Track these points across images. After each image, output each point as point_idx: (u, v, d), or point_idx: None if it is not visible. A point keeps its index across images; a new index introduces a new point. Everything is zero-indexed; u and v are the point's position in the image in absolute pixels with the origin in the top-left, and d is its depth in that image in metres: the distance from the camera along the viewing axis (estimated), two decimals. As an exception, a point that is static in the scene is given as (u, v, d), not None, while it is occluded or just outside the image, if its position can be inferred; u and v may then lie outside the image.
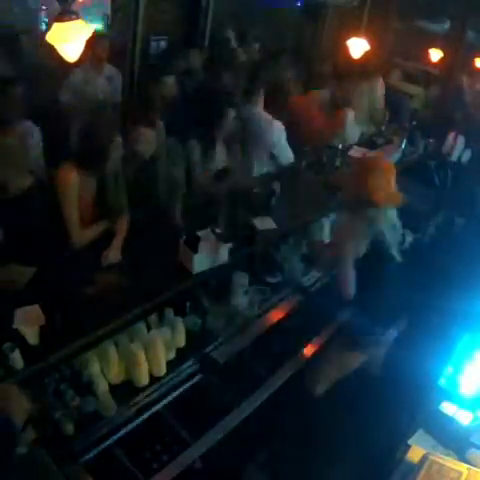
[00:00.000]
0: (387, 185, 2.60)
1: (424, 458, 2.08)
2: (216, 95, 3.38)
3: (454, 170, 4.81)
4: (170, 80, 3.97)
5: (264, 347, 2.87)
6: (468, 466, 2.04)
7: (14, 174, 2.32)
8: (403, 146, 4.46)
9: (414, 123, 4.95)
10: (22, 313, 2.03)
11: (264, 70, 4.07)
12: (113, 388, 2.40)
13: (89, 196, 2.69)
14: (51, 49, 2.61)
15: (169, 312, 2.71)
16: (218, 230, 2.61)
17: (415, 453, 2.13)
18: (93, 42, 3.23)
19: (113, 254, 2.58)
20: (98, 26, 4.72)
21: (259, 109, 3.75)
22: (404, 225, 4.31)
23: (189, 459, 2.26)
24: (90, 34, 2.81)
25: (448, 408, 2.34)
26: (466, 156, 5.02)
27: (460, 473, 2.00)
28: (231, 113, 3.26)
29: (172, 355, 2.64)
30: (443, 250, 4.14)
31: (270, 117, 3.74)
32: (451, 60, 6.31)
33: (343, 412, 3.04)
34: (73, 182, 2.59)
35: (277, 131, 3.73)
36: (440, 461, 2.05)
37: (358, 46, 5.14)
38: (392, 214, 2.67)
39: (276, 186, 3.18)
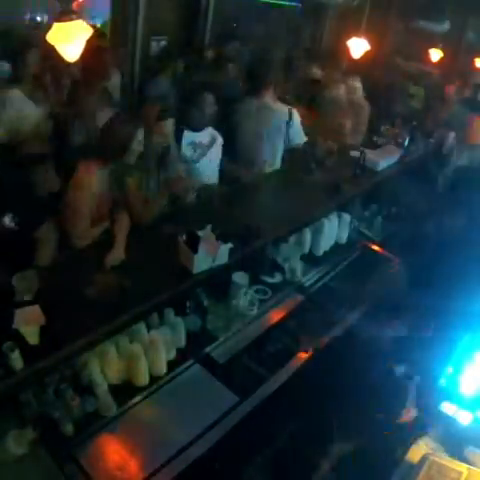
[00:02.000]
0: None
1: (424, 458, 2.08)
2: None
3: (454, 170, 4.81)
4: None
5: (264, 347, 2.87)
6: (468, 466, 2.04)
7: None
8: (406, 144, 4.47)
9: (414, 123, 4.96)
10: (22, 313, 2.02)
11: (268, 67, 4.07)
12: (113, 388, 2.41)
13: (101, 192, 2.69)
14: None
15: (169, 312, 2.72)
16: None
17: (415, 453, 2.13)
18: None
19: (116, 255, 2.56)
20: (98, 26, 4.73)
21: (267, 99, 3.76)
22: (404, 224, 4.34)
23: (187, 459, 2.25)
24: (90, 34, 2.82)
25: (448, 408, 2.34)
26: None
27: (460, 473, 2.00)
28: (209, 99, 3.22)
29: (172, 355, 2.64)
30: (444, 250, 4.14)
31: (278, 104, 3.77)
32: (451, 60, 6.32)
33: (343, 412, 3.04)
34: (93, 182, 2.60)
35: (284, 114, 3.73)
36: (440, 461, 2.06)
37: (358, 46, 5.15)
38: None
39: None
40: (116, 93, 4.36)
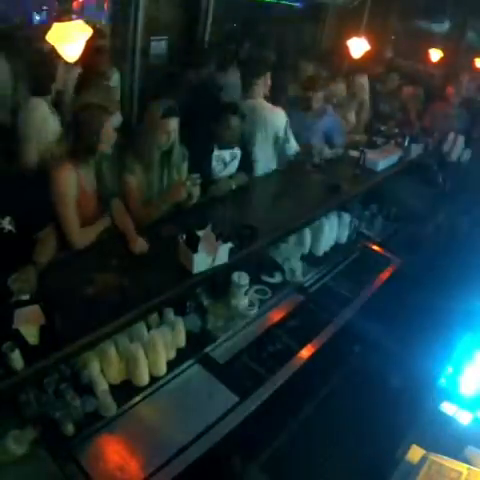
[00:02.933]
0: None
1: (424, 458, 2.08)
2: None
3: (454, 170, 4.82)
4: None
5: (264, 347, 2.87)
6: (468, 466, 2.04)
7: None
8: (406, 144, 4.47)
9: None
10: (22, 313, 2.02)
11: (263, 65, 4.04)
12: (113, 388, 2.41)
13: (89, 189, 2.67)
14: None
15: (169, 312, 2.72)
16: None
17: (415, 453, 2.13)
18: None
19: (139, 244, 2.61)
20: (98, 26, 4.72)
21: (261, 100, 3.80)
22: (404, 224, 4.35)
23: (187, 459, 2.25)
24: (90, 34, 2.83)
25: (448, 408, 2.34)
26: (466, 156, 5.02)
27: (460, 473, 2.00)
28: (235, 121, 3.36)
29: (172, 355, 2.64)
30: (443, 250, 4.15)
31: (272, 106, 3.80)
32: (451, 60, 6.31)
33: (343, 412, 3.05)
34: (70, 180, 2.55)
35: (281, 117, 3.78)
36: (440, 461, 2.05)
37: (358, 46, 5.15)
38: None
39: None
40: (116, 92, 4.35)
